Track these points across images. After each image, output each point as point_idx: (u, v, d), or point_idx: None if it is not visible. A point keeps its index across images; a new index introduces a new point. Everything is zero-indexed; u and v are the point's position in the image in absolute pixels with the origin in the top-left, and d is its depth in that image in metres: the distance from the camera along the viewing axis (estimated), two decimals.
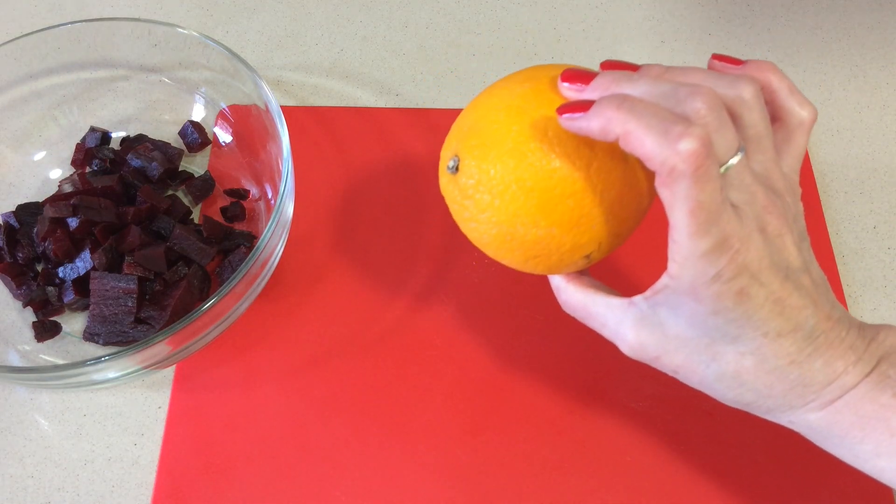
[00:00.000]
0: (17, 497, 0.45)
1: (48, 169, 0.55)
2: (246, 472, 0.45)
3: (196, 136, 0.55)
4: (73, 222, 0.48)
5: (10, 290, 0.50)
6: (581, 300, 0.37)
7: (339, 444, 0.46)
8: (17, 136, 0.55)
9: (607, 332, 0.36)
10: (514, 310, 0.50)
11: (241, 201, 0.53)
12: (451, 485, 0.45)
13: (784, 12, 0.65)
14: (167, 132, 0.56)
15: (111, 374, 0.44)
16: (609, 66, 0.35)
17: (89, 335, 0.48)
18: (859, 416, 0.33)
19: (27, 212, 0.51)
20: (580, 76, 0.34)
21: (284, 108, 0.56)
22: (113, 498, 0.45)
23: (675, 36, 0.63)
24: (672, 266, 0.31)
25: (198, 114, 0.56)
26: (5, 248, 0.50)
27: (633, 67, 0.35)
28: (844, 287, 0.52)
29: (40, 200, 0.52)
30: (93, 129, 0.55)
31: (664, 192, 0.30)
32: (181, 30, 0.52)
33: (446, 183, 0.37)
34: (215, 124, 0.56)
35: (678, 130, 0.29)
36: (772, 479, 0.45)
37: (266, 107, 0.49)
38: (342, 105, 0.59)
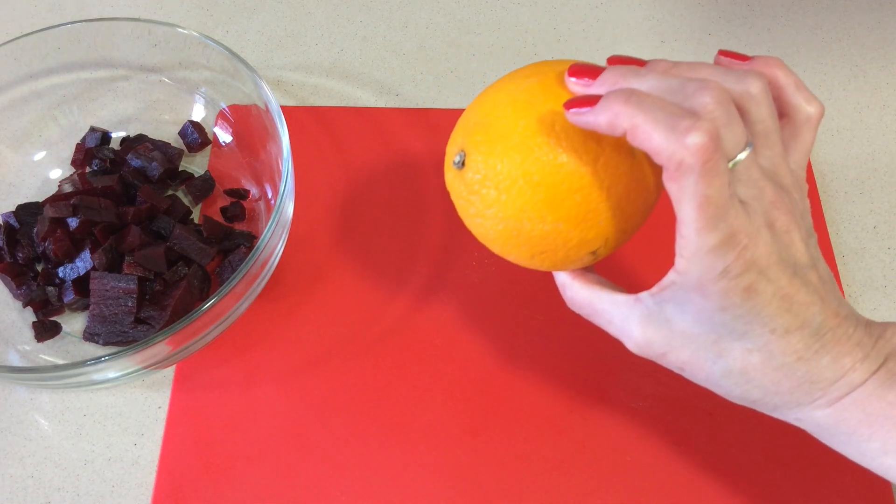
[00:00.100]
0: (17, 497, 0.45)
1: (48, 169, 0.55)
2: (246, 472, 0.45)
3: (196, 136, 0.55)
4: (73, 222, 0.48)
5: (10, 290, 0.50)
6: (587, 297, 0.37)
7: (339, 444, 0.46)
8: (17, 136, 0.55)
9: (613, 329, 0.36)
10: (514, 310, 0.50)
11: (241, 201, 0.53)
12: (451, 485, 0.45)
13: (784, 12, 0.65)
14: (167, 132, 0.56)
15: (111, 374, 0.44)
16: (616, 61, 0.35)
17: (89, 335, 0.48)
18: (867, 413, 0.33)
19: (27, 212, 0.51)
20: (587, 71, 0.34)
21: (284, 108, 0.56)
22: (113, 498, 0.45)
23: (675, 36, 0.63)
24: (679, 262, 0.31)
25: (198, 114, 0.56)
26: (5, 248, 0.50)
27: (639, 62, 0.35)
28: (844, 287, 0.52)
29: (40, 200, 0.52)
30: (93, 129, 0.55)
31: (672, 187, 0.30)
32: (181, 30, 0.52)
33: (452, 178, 0.37)
34: (215, 124, 0.56)
35: (686, 124, 0.29)
36: (772, 479, 0.45)
37: (266, 107, 0.49)
38: (342, 105, 0.59)
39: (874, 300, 0.51)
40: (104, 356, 0.41)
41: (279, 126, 0.47)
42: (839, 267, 0.52)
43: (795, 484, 0.45)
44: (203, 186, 0.53)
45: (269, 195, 0.52)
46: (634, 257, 0.51)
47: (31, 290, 0.49)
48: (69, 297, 0.48)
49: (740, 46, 0.63)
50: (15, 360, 0.47)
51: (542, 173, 0.33)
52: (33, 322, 0.49)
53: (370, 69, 0.61)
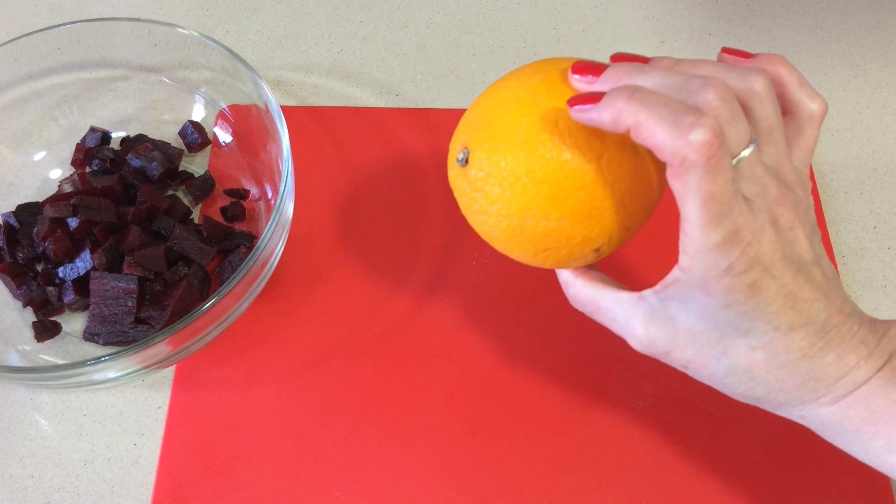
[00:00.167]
0: (17, 497, 0.45)
1: (48, 169, 0.55)
2: (246, 472, 0.45)
3: (196, 136, 0.55)
4: (73, 222, 0.48)
5: (10, 290, 0.50)
6: (590, 295, 0.37)
7: (339, 444, 0.46)
8: (17, 136, 0.55)
9: (616, 327, 0.36)
10: (514, 310, 0.50)
11: (241, 201, 0.53)
12: (451, 485, 0.45)
13: (784, 12, 0.65)
14: (167, 132, 0.56)
15: (111, 374, 0.44)
16: (619, 58, 0.35)
17: (89, 335, 0.48)
18: (871, 411, 0.33)
19: (27, 212, 0.51)
20: (591, 68, 0.34)
21: (284, 108, 0.56)
22: (113, 498, 0.45)
23: (675, 36, 0.63)
24: (683, 259, 0.31)
25: (198, 114, 0.56)
26: (5, 248, 0.50)
27: (643, 60, 0.34)
28: (845, 287, 0.52)
29: (40, 200, 0.52)
30: (93, 129, 0.55)
31: (676, 184, 0.30)
32: (181, 30, 0.52)
33: (455, 176, 0.37)
34: (215, 124, 0.56)
35: (690, 121, 0.29)
36: (772, 479, 0.45)
37: (266, 107, 0.49)
38: (342, 105, 0.59)
39: (874, 300, 0.51)
40: (104, 356, 0.41)
41: (279, 126, 0.47)
42: (839, 267, 0.52)
43: (795, 484, 0.45)
44: (203, 186, 0.53)
45: (269, 195, 0.52)
46: (637, 256, 0.51)
47: (31, 290, 0.49)
48: (69, 297, 0.48)
49: (740, 46, 0.63)
50: (15, 360, 0.47)
51: (546, 170, 0.33)
52: (33, 322, 0.49)
53: (370, 69, 0.61)
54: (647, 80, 0.32)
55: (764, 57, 0.35)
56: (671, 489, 0.45)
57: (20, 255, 0.50)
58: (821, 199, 0.55)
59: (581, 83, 0.34)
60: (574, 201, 0.34)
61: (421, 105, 0.59)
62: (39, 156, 0.55)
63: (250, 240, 0.51)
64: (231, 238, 0.51)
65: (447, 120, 0.57)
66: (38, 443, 0.47)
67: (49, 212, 0.48)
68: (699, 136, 0.29)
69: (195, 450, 0.46)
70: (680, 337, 0.34)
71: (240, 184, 0.54)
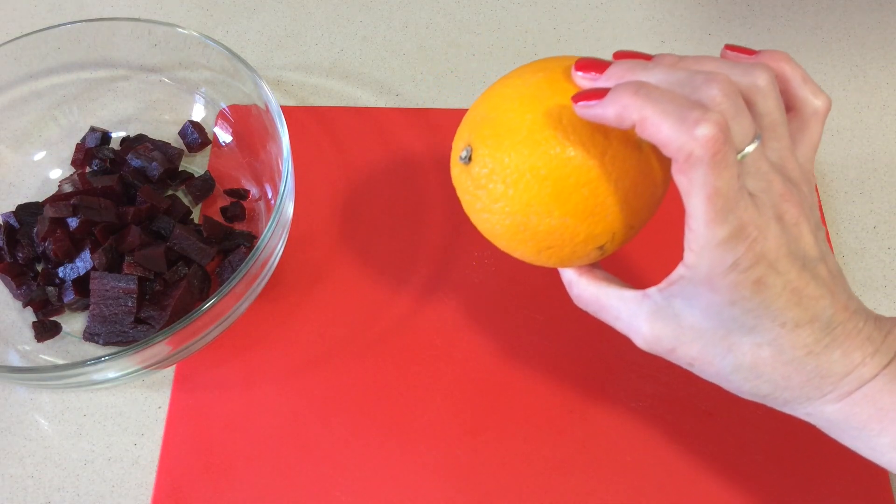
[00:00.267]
0: (17, 497, 0.45)
1: (48, 169, 0.55)
2: (246, 472, 0.45)
3: (196, 136, 0.55)
4: (73, 222, 0.48)
5: (10, 290, 0.50)
6: (594, 293, 0.37)
7: (339, 444, 0.46)
8: (17, 136, 0.55)
9: (621, 326, 0.36)
10: (514, 310, 0.50)
11: (241, 201, 0.53)
12: (451, 485, 0.45)
13: (784, 12, 0.65)
14: (167, 132, 0.56)
15: (111, 374, 0.44)
16: (622, 55, 0.35)
17: (89, 335, 0.48)
18: (877, 408, 0.33)
19: (27, 212, 0.51)
20: (594, 65, 0.34)
21: (284, 108, 0.56)
22: (113, 498, 0.45)
23: (675, 36, 0.63)
24: (688, 255, 0.31)
25: (198, 114, 0.56)
26: (5, 248, 0.50)
27: (646, 57, 0.34)
28: None
29: (40, 200, 0.52)
30: (93, 129, 0.55)
31: (681, 180, 0.30)
32: (181, 30, 0.52)
33: (458, 173, 0.37)
34: (215, 124, 0.56)
35: (695, 116, 0.29)
36: (772, 479, 0.45)
37: (266, 107, 0.49)
38: (342, 105, 0.59)
39: (874, 300, 0.51)
40: (104, 356, 0.41)
41: (279, 126, 0.47)
42: None
43: (795, 484, 0.45)
44: (203, 186, 0.53)
45: (269, 195, 0.52)
46: (639, 255, 0.51)
47: (31, 290, 0.49)
48: (69, 297, 0.48)
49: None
50: (15, 360, 0.47)
51: (550, 167, 0.33)
52: (33, 322, 0.49)
53: (370, 69, 0.61)
54: (650, 76, 0.32)
55: (767, 53, 0.35)
56: (671, 489, 0.45)
57: (20, 255, 0.50)
58: (821, 199, 0.55)
59: (584, 80, 0.34)
60: (578, 198, 0.34)
61: (421, 105, 0.59)
62: (39, 156, 0.55)
63: (250, 240, 0.51)
64: (231, 238, 0.51)
65: (447, 120, 0.57)
66: (38, 443, 0.47)
67: (49, 212, 0.48)
68: (705, 131, 0.29)
69: (195, 450, 0.46)
70: (685, 334, 0.34)
71: (240, 184, 0.54)
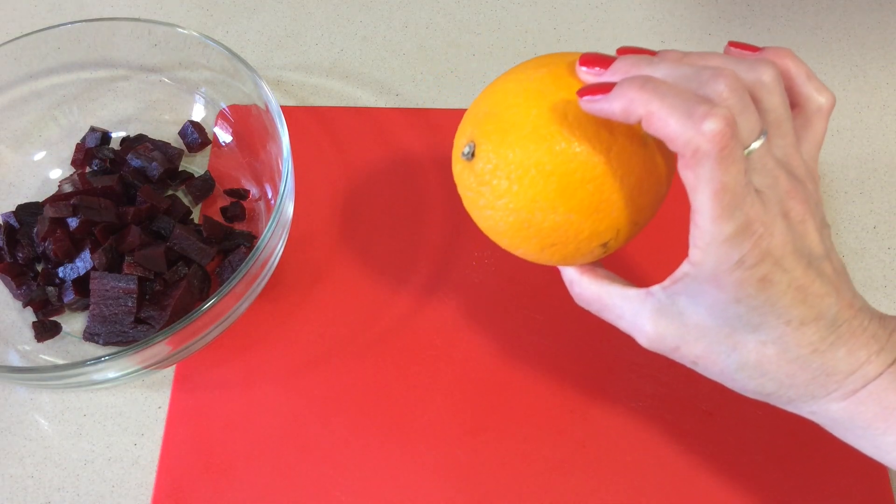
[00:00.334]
0: (17, 497, 0.45)
1: (48, 169, 0.55)
2: (246, 472, 0.45)
3: (196, 136, 0.55)
4: (73, 222, 0.48)
5: (10, 290, 0.50)
6: (596, 292, 0.36)
7: (339, 444, 0.46)
8: (17, 136, 0.55)
9: (624, 325, 0.36)
10: (514, 310, 0.50)
11: (241, 201, 0.53)
12: (451, 485, 0.45)
13: (784, 12, 0.65)
14: (167, 132, 0.56)
15: (111, 374, 0.44)
16: (626, 51, 0.35)
17: (89, 335, 0.48)
18: (883, 406, 0.33)
19: (27, 212, 0.51)
20: (599, 60, 0.34)
21: (284, 108, 0.56)
22: (113, 498, 0.45)
23: (675, 36, 0.63)
24: (694, 252, 0.31)
25: (198, 114, 0.56)
26: (5, 248, 0.50)
27: (650, 53, 0.34)
28: None
29: (40, 200, 0.52)
30: (93, 129, 0.55)
31: (687, 175, 0.30)
32: (181, 30, 0.52)
33: (461, 170, 0.36)
34: (215, 124, 0.56)
35: (703, 110, 0.29)
36: (772, 479, 0.45)
37: (266, 107, 0.49)
38: (342, 105, 0.59)
39: (874, 300, 0.51)
40: (104, 356, 0.41)
41: (279, 126, 0.47)
42: None
43: (795, 484, 0.45)
44: (203, 186, 0.53)
45: (269, 195, 0.52)
46: (639, 255, 0.51)
47: (31, 290, 0.49)
48: (69, 297, 0.48)
49: None
50: (15, 360, 0.47)
51: (555, 162, 0.33)
52: (33, 322, 0.49)
53: (370, 69, 0.61)
54: (656, 71, 0.32)
55: (771, 50, 0.35)
56: (671, 489, 0.45)
57: (20, 255, 0.50)
58: (821, 199, 0.55)
59: (589, 75, 0.34)
60: (583, 194, 0.33)
61: (421, 105, 0.59)
62: (39, 156, 0.55)
63: (250, 240, 0.51)
64: (231, 238, 0.51)
65: (447, 120, 0.57)
66: (38, 443, 0.47)
67: (49, 212, 0.48)
68: (712, 125, 0.29)
69: (195, 450, 0.46)
70: (689, 333, 0.33)
71: (240, 184, 0.54)
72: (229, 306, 0.44)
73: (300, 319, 0.50)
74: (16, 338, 0.48)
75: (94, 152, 0.54)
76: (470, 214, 0.37)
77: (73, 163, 0.54)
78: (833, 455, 0.45)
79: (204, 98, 0.56)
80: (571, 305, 0.38)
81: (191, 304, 0.48)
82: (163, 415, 0.47)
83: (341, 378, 0.48)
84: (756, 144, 0.31)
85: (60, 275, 0.49)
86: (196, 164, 0.55)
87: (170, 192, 0.54)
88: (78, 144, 0.55)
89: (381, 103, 0.59)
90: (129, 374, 0.44)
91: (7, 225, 0.51)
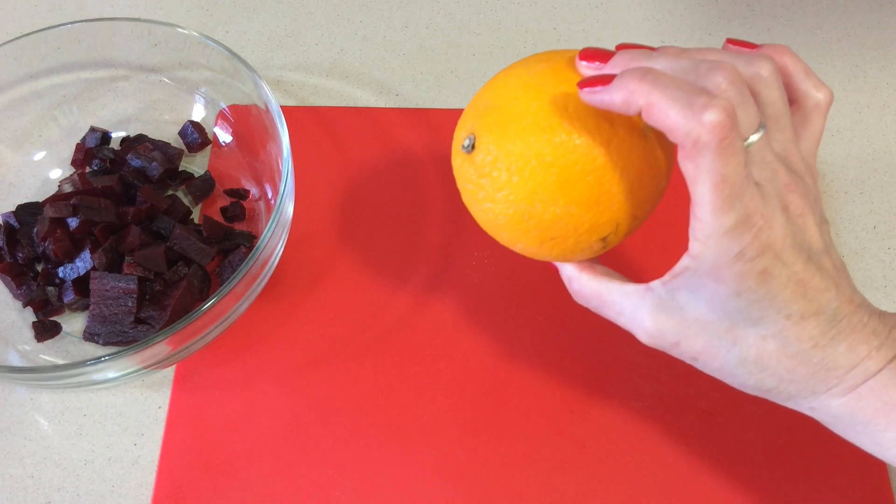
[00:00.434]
0: (17, 497, 0.45)
1: (48, 169, 0.55)
2: (246, 472, 0.45)
3: (196, 136, 0.55)
4: (73, 222, 0.48)
5: (10, 290, 0.50)
6: (595, 288, 0.36)
7: (339, 444, 0.46)
8: (17, 136, 0.55)
9: (623, 321, 0.36)
10: (513, 310, 0.50)
11: (241, 201, 0.53)
12: (451, 485, 0.45)
13: (784, 12, 0.65)
14: (167, 132, 0.56)
15: (111, 374, 0.44)
16: (625, 47, 0.35)
17: (89, 335, 0.48)
18: (883, 402, 0.33)
19: (27, 212, 0.51)
20: (598, 55, 0.34)
21: (284, 108, 0.56)
22: (113, 498, 0.45)
23: (675, 36, 0.63)
24: (694, 245, 0.31)
25: (198, 114, 0.56)
26: (5, 248, 0.50)
27: (649, 48, 0.34)
28: None
29: (40, 200, 0.52)
30: (93, 129, 0.55)
31: (688, 166, 0.30)
32: (181, 30, 0.52)
33: (461, 163, 0.36)
34: (215, 124, 0.56)
35: (703, 101, 0.29)
36: (771, 479, 0.45)
37: (266, 107, 0.49)
38: (342, 105, 0.59)
39: (874, 300, 0.51)
40: (104, 356, 0.41)
41: (279, 126, 0.47)
42: None
43: (795, 483, 0.45)
44: (203, 186, 0.53)
45: (269, 195, 0.52)
46: (637, 252, 0.51)
47: (31, 290, 0.49)
48: (69, 297, 0.48)
49: None
50: (15, 360, 0.47)
51: (556, 154, 0.33)
52: (33, 322, 0.49)
53: (370, 69, 0.61)
54: (655, 64, 0.32)
55: (769, 46, 0.35)
56: (671, 489, 0.45)
57: (20, 255, 0.50)
58: (821, 199, 0.55)
59: (589, 69, 0.34)
60: (583, 186, 0.33)
61: (421, 105, 0.59)
62: (39, 156, 0.55)
63: (250, 240, 0.51)
64: (231, 238, 0.51)
65: (447, 120, 0.57)
66: (38, 443, 0.47)
67: (49, 212, 0.48)
68: (712, 116, 0.29)
69: (195, 450, 0.46)
70: (689, 328, 0.33)
71: (240, 184, 0.54)
72: (229, 306, 0.44)
73: (300, 319, 0.50)
74: (16, 338, 0.48)
75: (94, 152, 0.54)
76: (469, 209, 0.37)
77: (73, 163, 0.54)
78: (833, 454, 0.45)
79: (204, 98, 0.56)
80: (571, 305, 0.38)
81: (191, 304, 0.48)
82: (163, 415, 0.47)
83: (341, 378, 0.48)
84: (755, 137, 0.31)
85: (60, 275, 0.49)
86: (196, 164, 0.55)
87: (170, 192, 0.54)
88: (78, 144, 0.55)
89: (381, 103, 0.59)
90: (129, 374, 0.44)
91: (7, 225, 0.51)
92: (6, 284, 0.50)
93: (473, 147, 0.35)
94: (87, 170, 0.54)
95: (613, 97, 0.31)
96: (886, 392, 0.33)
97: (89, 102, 0.56)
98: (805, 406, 0.34)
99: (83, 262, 0.48)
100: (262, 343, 0.49)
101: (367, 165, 0.56)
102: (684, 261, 0.32)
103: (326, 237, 0.53)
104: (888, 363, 0.33)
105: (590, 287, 0.37)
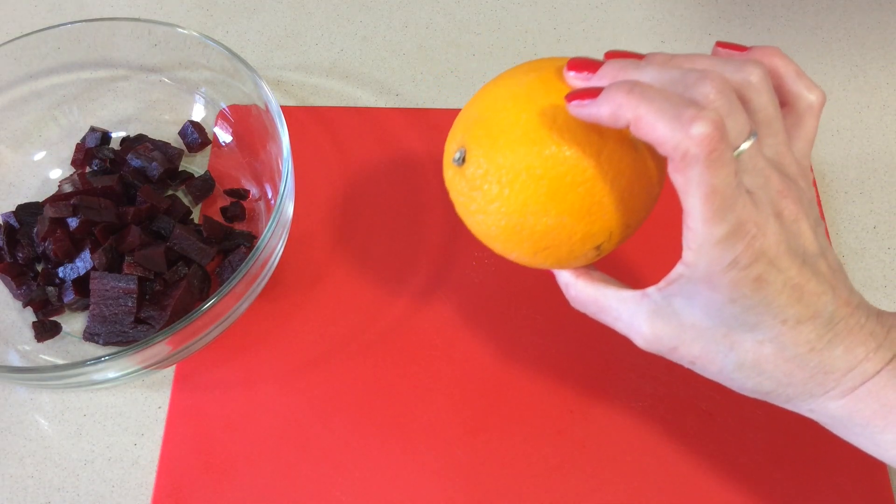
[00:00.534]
0: (17, 497, 0.45)
1: (48, 169, 0.55)
2: (246, 472, 0.45)
3: (196, 136, 0.55)
4: (73, 222, 0.48)
5: (10, 290, 0.50)
6: (592, 294, 0.36)
7: (339, 444, 0.46)
8: (17, 136, 0.55)
9: (621, 326, 0.36)
10: (513, 310, 0.50)
11: (241, 201, 0.53)
12: (451, 485, 0.45)
13: (784, 12, 0.65)
14: (167, 132, 0.56)
15: (111, 374, 0.44)
16: (614, 55, 0.35)
17: (89, 335, 0.48)
18: (881, 404, 0.33)
19: (27, 212, 0.51)
20: (586, 65, 0.34)
21: (284, 108, 0.56)
22: (113, 498, 0.45)
23: (675, 36, 0.63)
24: (687, 254, 0.31)
25: (198, 114, 0.56)
26: (5, 248, 0.50)
27: (637, 56, 0.34)
28: None
29: (40, 200, 0.52)
30: (93, 129, 0.55)
31: (678, 178, 0.30)
32: (181, 30, 0.52)
33: (452, 175, 0.36)
34: (215, 124, 0.56)
35: (690, 114, 0.29)
36: (771, 479, 0.45)
37: (266, 107, 0.49)
38: (342, 105, 0.59)
39: (874, 300, 0.51)
40: (104, 356, 0.41)
41: (279, 126, 0.47)
42: None
43: (795, 484, 0.45)
44: (203, 186, 0.53)
45: (269, 195, 0.52)
46: (634, 257, 0.51)
47: (31, 290, 0.49)
48: (69, 297, 0.48)
49: None
50: (15, 360, 0.47)
51: (546, 166, 0.33)
52: (33, 322, 0.49)
53: (370, 69, 0.61)
54: (643, 75, 0.32)
55: (759, 49, 0.35)
56: (671, 489, 0.45)
57: (20, 255, 0.50)
58: (821, 199, 0.55)
59: (577, 80, 0.34)
60: (574, 197, 0.34)
61: (421, 105, 0.59)
62: (39, 156, 0.55)
63: (250, 240, 0.51)
64: (231, 238, 0.51)
65: (447, 120, 0.56)
66: (38, 443, 0.47)
67: (49, 212, 0.48)
68: (700, 129, 0.29)
69: (195, 450, 0.46)
70: (686, 333, 0.33)
71: (240, 184, 0.54)
72: (229, 306, 0.44)
73: (300, 319, 0.50)
74: (16, 338, 0.48)
75: (94, 152, 0.54)
76: (463, 220, 0.38)
77: (73, 163, 0.54)
78: (833, 455, 0.45)
79: (204, 98, 0.56)
80: (571, 306, 0.38)
81: (191, 304, 0.48)
82: (163, 415, 0.47)
83: (341, 378, 0.48)
84: (746, 145, 0.31)
85: (60, 275, 0.49)
86: (196, 164, 0.55)
87: (170, 192, 0.54)
88: (78, 144, 0.55)
89: (381, 103, 0.59)
90: (129, 374, 0.44)
91: (7, 225, 0.51)
92: (6, 284, 0.50)
93: (464, 160, 0.35)
94: (87, 170, 0.54)
95: (601, 111, 0.31)
96: (884, 394, 0.33)
97: (89, 102, 0.56)
98: (804, 408, 0.34)
99: (83, 262, 0.48)
100: (262, 343, 0.49)
101: (367, 165, 0.56)
102: (679, 268, 0.32)
103: (326, 237, 0.53)
104: (886, 365, 0.33)
105: (586, 293, 0.37)
